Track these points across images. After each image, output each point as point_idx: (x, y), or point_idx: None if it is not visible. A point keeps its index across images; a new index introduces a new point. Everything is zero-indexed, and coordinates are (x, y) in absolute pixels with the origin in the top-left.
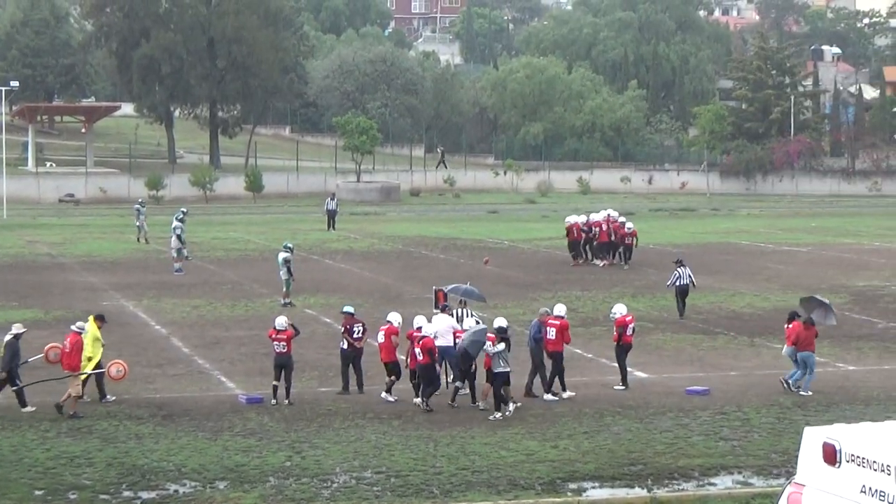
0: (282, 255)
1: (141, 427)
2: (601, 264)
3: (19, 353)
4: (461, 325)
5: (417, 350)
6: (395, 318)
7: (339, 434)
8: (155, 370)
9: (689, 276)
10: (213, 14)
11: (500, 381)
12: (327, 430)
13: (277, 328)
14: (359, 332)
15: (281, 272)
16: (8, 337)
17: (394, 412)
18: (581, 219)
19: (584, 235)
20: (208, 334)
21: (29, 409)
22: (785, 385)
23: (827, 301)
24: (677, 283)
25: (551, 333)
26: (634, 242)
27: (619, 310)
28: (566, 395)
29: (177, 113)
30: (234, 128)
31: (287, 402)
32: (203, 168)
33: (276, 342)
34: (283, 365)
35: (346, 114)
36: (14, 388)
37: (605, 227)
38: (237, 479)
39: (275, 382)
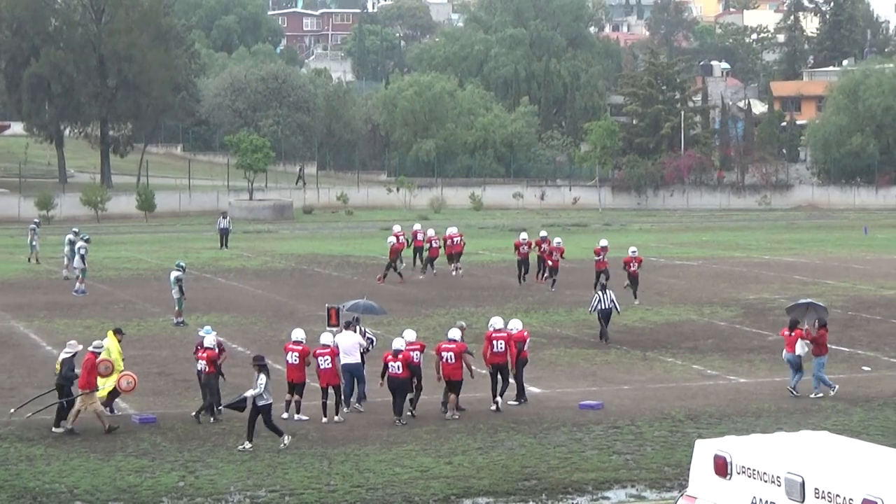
0: (174, 274)
1: (32, 449)
2: (421, 276)
3: (74, 369)
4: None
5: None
6: (299, 334)
7: (233, 453)
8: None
9: (612, 300)
10: (103, 32)
11: (265, 413)
12: (221, 449)
13: (205, 346)
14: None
15: (173, 291)
16: (65, 355)
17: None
18: (446, 229)
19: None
20: None
21: (58, 430)
22: (793, 393)
23: (811, 300)
24: (599, 307)
25: (499, 346)
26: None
27: (515, 325)
28: (498, 404)
29: (67, 132)
30: (125, 146)
31: (212, 419)
32: (94, 187)
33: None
34: (205, 384)
35: (239, 132)
36: (60, 403)
37: (436, 242)
38: (130, 500)
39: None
